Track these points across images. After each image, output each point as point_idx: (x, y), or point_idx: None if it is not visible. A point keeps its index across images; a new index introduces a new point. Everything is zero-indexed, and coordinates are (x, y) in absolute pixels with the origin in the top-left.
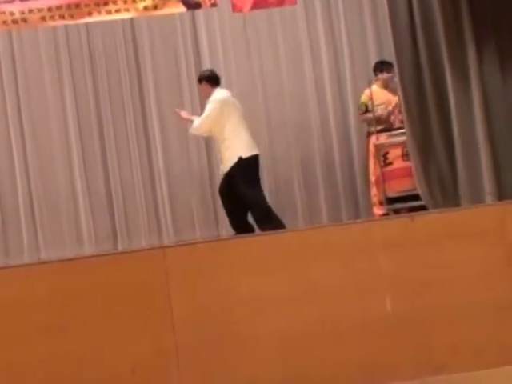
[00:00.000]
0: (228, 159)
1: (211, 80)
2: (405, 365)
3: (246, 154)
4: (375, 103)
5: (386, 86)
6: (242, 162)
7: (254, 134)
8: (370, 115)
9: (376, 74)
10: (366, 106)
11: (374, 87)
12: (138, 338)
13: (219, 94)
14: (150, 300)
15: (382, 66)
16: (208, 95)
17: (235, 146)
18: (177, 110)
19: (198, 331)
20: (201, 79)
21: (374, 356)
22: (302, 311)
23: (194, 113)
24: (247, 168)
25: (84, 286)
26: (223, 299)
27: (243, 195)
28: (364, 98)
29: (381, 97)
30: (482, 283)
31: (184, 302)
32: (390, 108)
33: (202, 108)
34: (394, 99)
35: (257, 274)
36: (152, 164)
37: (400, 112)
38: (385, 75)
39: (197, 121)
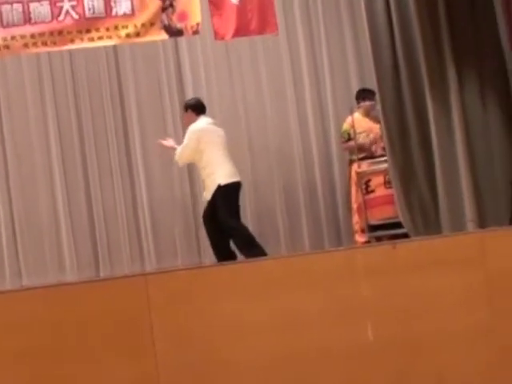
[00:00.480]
0: (209, 186)
1: (196, 109)
2: None
3: (225, 181)
4: (357, 131)
5: (368, 113)
6: (221, 189)
7: (237, 161)
8: (352, 143)
9: (358, 102)
10: (349, 134)
11: (356, 115)
12: (119, 365)
13: (199, 123)
14: (131, 327)
15: (363, 94)
16: (190, 123)
17: (216, 174)
18: (159, 141)
19: (179, 358)
20: (186, 107)
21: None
22: (285, 338)
23: (177, 140)
24: (226, 195)
25: (66, 312)
26: (205, 326)
27: (224, 222)
28: (346, 126)
29: (362, 125)
30: (463, 310)
31: (166, 329)
32: (372, 136)
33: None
34: (375, 127)
35: (239, 301)
36: (135, 191)
37: (382, 140)
38: (367, 103)
39: (178, 150)
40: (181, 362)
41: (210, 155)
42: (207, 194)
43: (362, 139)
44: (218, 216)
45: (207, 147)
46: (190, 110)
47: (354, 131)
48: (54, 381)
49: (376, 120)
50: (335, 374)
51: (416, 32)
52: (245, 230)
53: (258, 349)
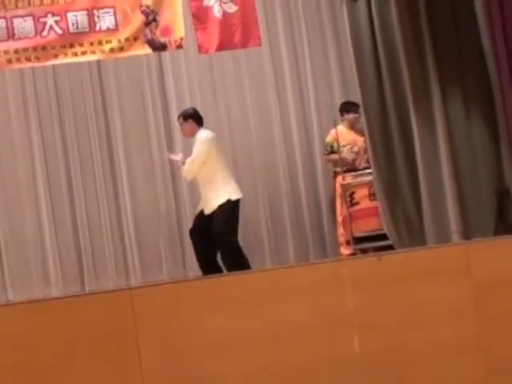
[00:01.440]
0: (212, 200)
1: (198, 119)
2: None
3: (236, 197)
4: (341, 144)
5: (352, 126)
6: (231, 203)
7: None
8: (334, 156)
9: (342, 115)
10: (332, 147)
11: (340, 127)
12: (105, 379)
13: (206, 133)
14: (117, 341)
15: (347, 107)
16: (192, 134)
17: (224, 188)
18: (169, 155)
19: (165, 372)
20: (186, 117)
21: None
22: (271, 351)
23: (162, 155)
24: (235, 210)
25: (51, 327)
26: (191, 340)
27: (224, 237)
28: (329, 138)
29: (346, 137)
30: (450, 322)
31: (152, 343)
32: (356, 149)
33: (169, 149)
34: (360, 140)
35: (225, 315)
36: (119, 205)
37: (366, 152)
38: (351, 116)
39: (189, 162)
40: (167, 376)
41: (218, 169)
42: (207, 208)
43: (346, 152)
44: (217, 230)
45: (216, 160)
46: (191, 120)
47: (338, 144)
48: None
49: (360, 133)
50: None
51: (399, 47)
52: (241, 249)
53: (244, 362)
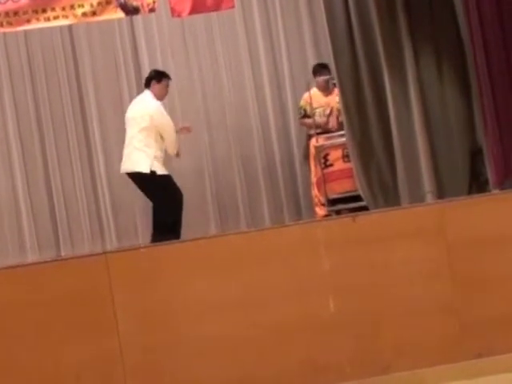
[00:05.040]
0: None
1: None
2: (350, 366)
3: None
4: (314, 106)
5: (325, 88)
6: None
7: (195, 138)
8: (308, 120)
9: (315, 77)
10: (305, 110)
11: (314, 90)
12: (82, 345)
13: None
14: (93, 306)
15: (319, 69)
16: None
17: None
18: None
19: (143, 338)
20: (168, 76)
21: (318, 357)
22: (246, 314)
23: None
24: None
25: (27, 292)
26: (167, 303)
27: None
28: (302, 102)
29: (319, 100)
30: (424, 282)
31: (129, 308)
32: (328, 111)
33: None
34: (333, 101)
35: (200, 278)
36: (94, 170)
37: (339, 114)
38: (323, 78)
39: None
40: (144, 341)
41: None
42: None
43: (318, 115)
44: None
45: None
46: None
47: (311, 106)
48: (15, 361)
49: (332, 94)
50: (297, 347)
51: (371, 5)
52: None
53: (220, 325)
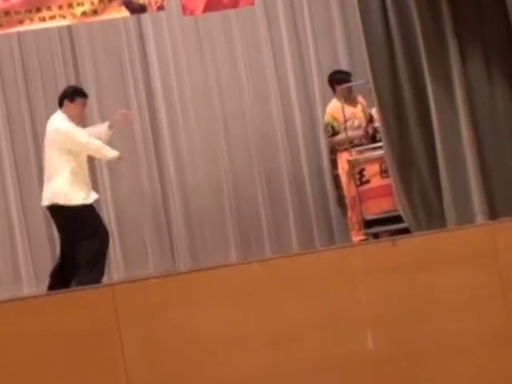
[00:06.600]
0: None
1: None
2: None
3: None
4: (340, 121)
5: (347, 97)
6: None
7: (212, 148)
8: (338, 137)
9: (333, 88)
10: (333, 128)
11: (334, 102)
12: (88, 379)
13: None
14: (100, 342)
15: (343, 76)
16: None
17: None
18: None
19: (150, 371)
20: (84, 95)
21: None
22: (270, 351)
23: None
24: None
25: (32, 325)
26: (180, 339)
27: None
28: (328, 118)
29: (346, 112)
30: (474, 312)
31: (137, 342)
32: (357, 123)
33: (152, 121)
34: (357, 111)
35: (218, 311)
36: (97, 187)
37: (370, 122)
38: (344, 86)
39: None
40: (151, 375)
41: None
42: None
43: (349, 128)
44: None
45: None
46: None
47: (338, 121)
48: None
49: (355, 102)
50: None
51: (411, 1)
52: None
53: (240, 363)
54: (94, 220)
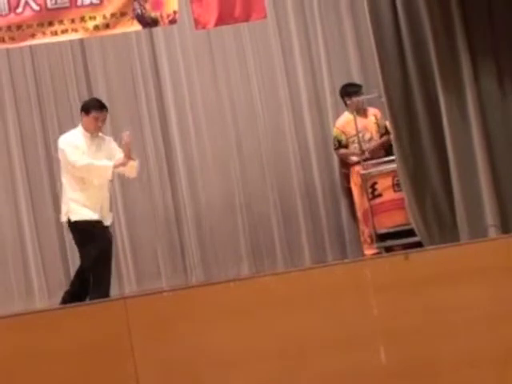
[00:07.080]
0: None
1: None
2: None
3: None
4: (351, 134)
5: (358, 110)
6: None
7: (224, 164)
8: (345, 150)
9: (344, 100)
10: (339, 141)
11: (346, 115)
12: None
13: None
14: (112, 352)
15: (354, 89)
16: None
17: None
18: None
19: None
20: (99, 108)
21: None
22: (283, 366)
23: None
24: None
25: (43, 340)
26: (192, 353)
27: None
28: (336, 132)
29: (355, 125)
30: (488, 328)
31: (149, 357)
32: (369, 136)
33: (164, 136)
34: (369, 123)
35: (230, 325)
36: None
37: (382, 135)
38: (354, 100)
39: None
40: None
41: None
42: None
43: (361, 141)
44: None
45: None
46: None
47: (348, 134)
48: None
49: (366, 114)
50: None
51: (423, 14)
52: None
53: (253, 378)
54: (94, 232)
